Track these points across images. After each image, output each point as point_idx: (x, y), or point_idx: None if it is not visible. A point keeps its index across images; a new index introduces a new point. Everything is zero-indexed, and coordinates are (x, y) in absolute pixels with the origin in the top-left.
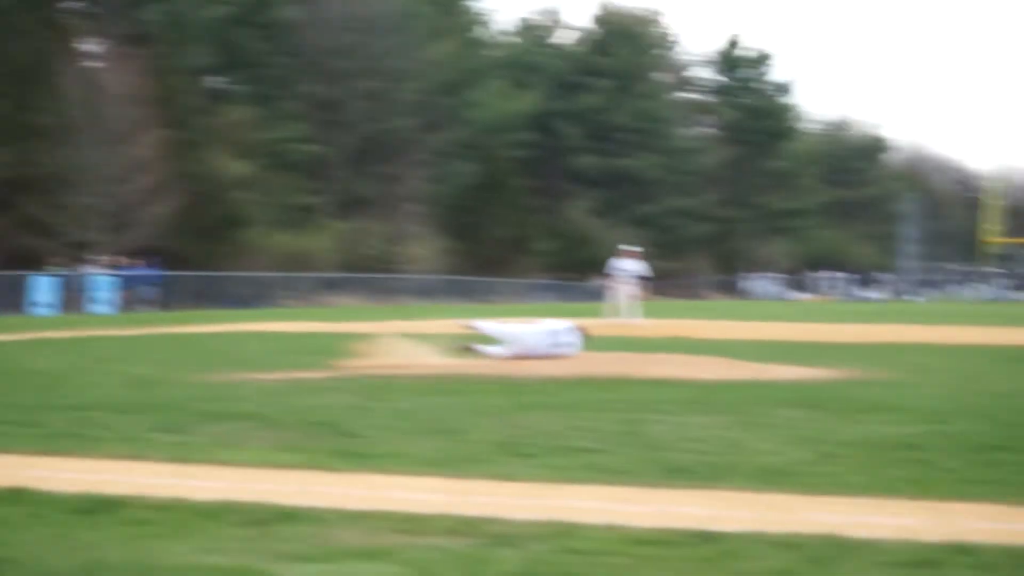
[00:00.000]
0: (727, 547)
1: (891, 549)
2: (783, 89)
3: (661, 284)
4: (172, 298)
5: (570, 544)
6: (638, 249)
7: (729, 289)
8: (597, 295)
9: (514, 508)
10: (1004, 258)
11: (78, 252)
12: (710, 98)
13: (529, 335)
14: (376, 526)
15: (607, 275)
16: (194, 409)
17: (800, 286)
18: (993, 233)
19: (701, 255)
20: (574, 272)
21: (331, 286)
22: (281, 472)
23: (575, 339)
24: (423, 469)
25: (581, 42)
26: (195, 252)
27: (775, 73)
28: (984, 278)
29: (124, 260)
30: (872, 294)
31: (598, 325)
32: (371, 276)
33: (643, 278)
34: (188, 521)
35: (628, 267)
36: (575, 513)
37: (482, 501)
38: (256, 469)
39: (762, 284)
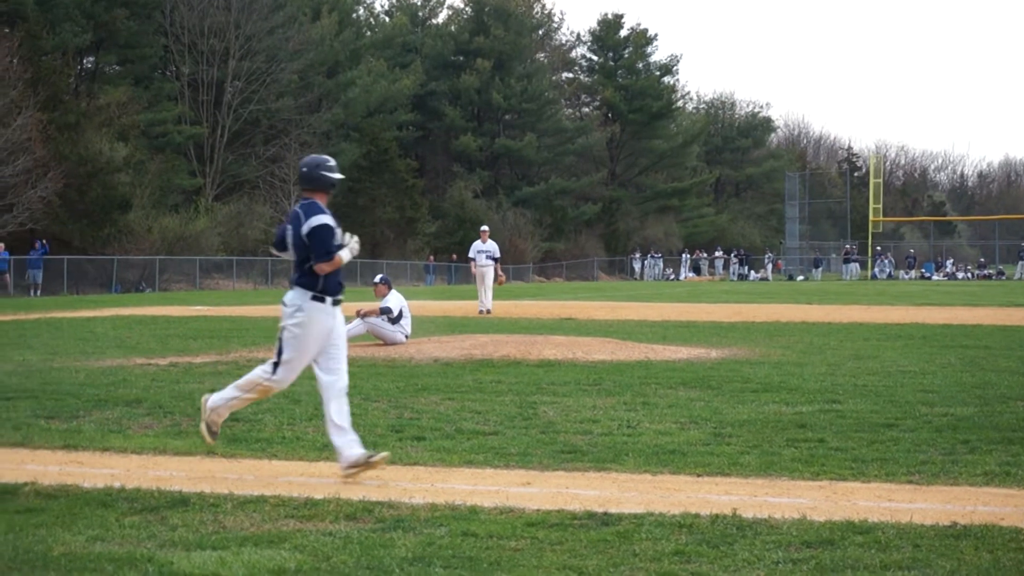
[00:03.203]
0: (623, 529)
1: (787, 529)
2: (666, 69)
3: (550, 266)
4: (54, 282)
5: (466, 527)
6: (486, 229)
7: (618, 270)
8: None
9: (409, 492)
10: (887, 236)
11: None
12: (593, 78)
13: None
14: (270, 512)
15: (470, 259)
16: (83, 395)
17: (688, 266)
18: (877, 212)
19: (589, 236)
20: (461, 254)
21: (217, 269)
22: (172, 458)
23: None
24: (316, 454)
25: (459, 22)
26: (76, 235)
27: (659, 52)
28: (869, 257)
29: None
30: (758, 274)
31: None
32: (257, 259)
33: (496, 259)
34: (79, 509)
35: (485, 248)
36: (470, 496)
37: (376, 485)
38: (147, 455)
39: (650, 264)
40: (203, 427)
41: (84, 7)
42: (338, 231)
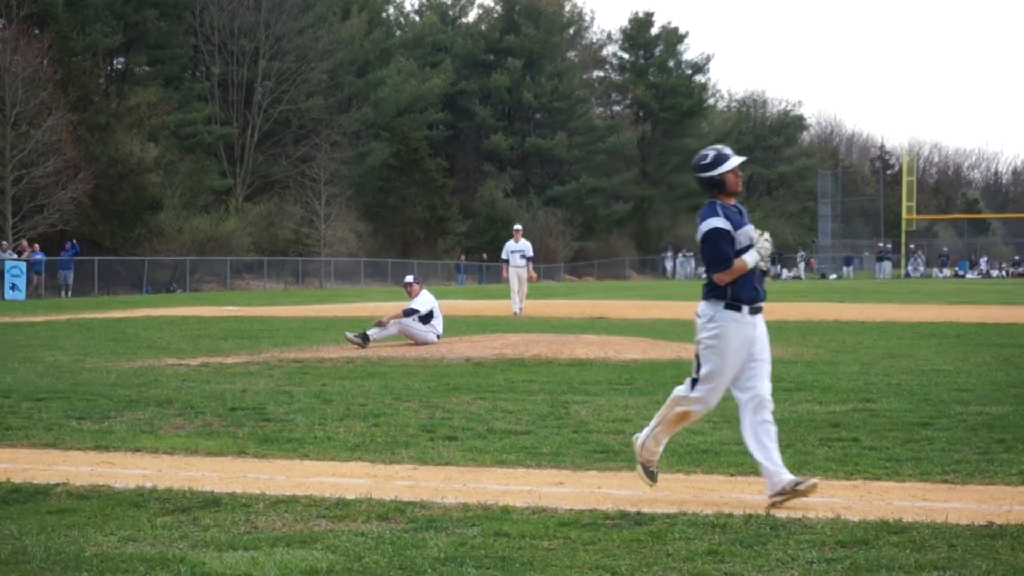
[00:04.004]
0: (656, 529)
1: (821, 528)
2: (698, 67)
3: (581, 265)
4: (85, 283)
5: (499, 527)
6: (519, 227)
7: (650, 269)
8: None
9: (441, 492)
10: (921, 234)
11: None
12: (624, 76)
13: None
14: (302, 512)
15: (503, 260)
16: (114, 396)
17: None
18: (910, 209)
19: (620, 235)
20: (491, 253)
21: (248, 270)
22: (204, 458)
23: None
24: (347, 454)
25: (490, 20)
26: (107, 236)
27: (691, 51)
28: (902, 255)
29: (25, 245)
30: (790, 272)
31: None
32: (288, 259)
33: (529, 259)
34: (110, 509)
35: (519, 248)
36: (503, 496)
37: (408, 485)
38: (178, 455)
39: (682, 263)
40: (639, 469)
41: (114, 8)
42: (745, 229)
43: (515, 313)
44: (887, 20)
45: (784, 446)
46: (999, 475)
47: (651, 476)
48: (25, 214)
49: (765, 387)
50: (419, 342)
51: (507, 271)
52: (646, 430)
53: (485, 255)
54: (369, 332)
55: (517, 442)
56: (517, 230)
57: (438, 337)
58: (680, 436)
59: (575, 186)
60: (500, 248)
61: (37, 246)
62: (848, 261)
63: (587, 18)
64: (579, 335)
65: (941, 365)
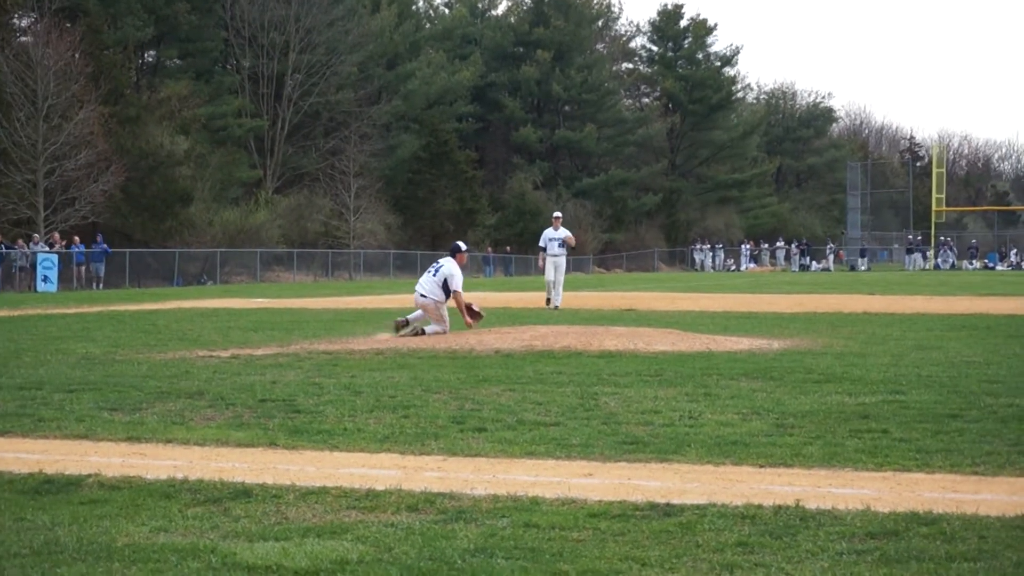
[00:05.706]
0: (685, 520)
1: (851, 520)
2: (727, 59)
3: (610, 257)
4: (117, 275)
5: (528, 519)
6: (559, 215)
7: (679, 260)
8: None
9: (470, 483)
10: (950, 226)
11: (19, 230)
12: (653, 68)
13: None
14: (332, 503)
15: (540, 248)
16: (145, 387)
17: (748, 256)
18: (940, 201)
19: (649, 227)
20: (520, 245)
21: (278, 262)
22: (234, 450)
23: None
24: (377, 445)
25: (519, 12)
26: (138, 229)
27: (719, 43)
28: (931, 247)
29: (56, 238)
30: (820, 264)
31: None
32: (317, 251)
33: (570, 248)
34: (142, 500)
35: (558, 236)
36: (532, 487)
37: (437, 476)
38: (209, 447)
39: (711, 255)
40: None
41: (145, 1)
42: None
43: (554, 307)
44: (917, 11)
45: (814, 437)
46: None
47: None
48: (57, 206)
49: None
50: (430, 314)
51: (543, 260)
52: None
53: (509, 247)
54: (408, 317)
55: (546, 433)
56: (557, 217)
57: (421, 296)
58: (710, 428)
59: (604, 178)
60: (531, 240)
61: (77, 238)
62: (863, 253)
63: (616, 10)
64: (608, 327)
65: (971, 357)
